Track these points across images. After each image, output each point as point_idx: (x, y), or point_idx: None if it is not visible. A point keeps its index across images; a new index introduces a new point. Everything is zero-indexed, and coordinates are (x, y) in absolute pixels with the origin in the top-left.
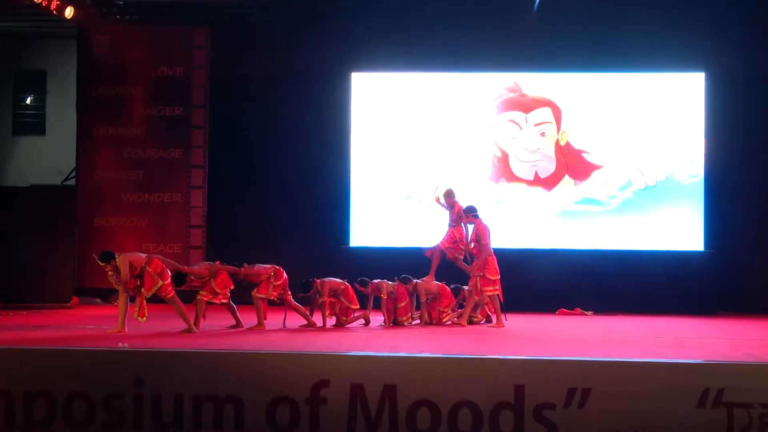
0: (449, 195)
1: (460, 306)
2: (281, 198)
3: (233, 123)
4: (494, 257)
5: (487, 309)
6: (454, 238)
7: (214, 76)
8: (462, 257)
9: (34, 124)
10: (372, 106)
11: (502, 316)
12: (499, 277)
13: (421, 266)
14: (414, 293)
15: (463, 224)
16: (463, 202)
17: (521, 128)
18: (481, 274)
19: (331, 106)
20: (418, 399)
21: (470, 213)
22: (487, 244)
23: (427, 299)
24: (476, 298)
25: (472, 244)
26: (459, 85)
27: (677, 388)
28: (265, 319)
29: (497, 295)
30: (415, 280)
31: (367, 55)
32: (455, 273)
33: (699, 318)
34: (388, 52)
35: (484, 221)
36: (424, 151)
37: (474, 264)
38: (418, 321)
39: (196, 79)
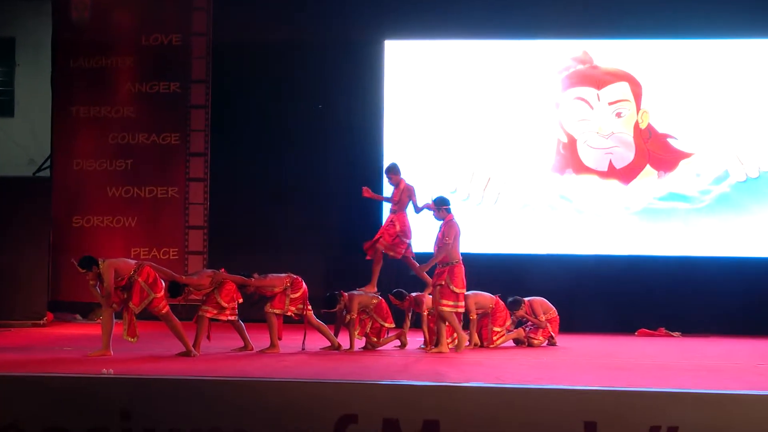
0: (392, 171)
1: (519, 324)
2: (299, 193)
3: (241, 102)
4: (462, 266)
5: (550, 329)
6: (394, 232)
7: (218, 44)
8: (406, 254)
9: (0, 103)
10: (409, 82)
11: (465, 338)
12: (464, 291)
13: (475, 274)
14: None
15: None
16: (519, 197)
17: (592, 108)
18: (442, 283)
19: (359, 82)
20: None
21: (443, 206)
22: (454, 247)
23: (478, 316)
24: (425, 312)
25: (436, 247)
26: (514, 56)
27: None
28: (280, 339)
29: (457, 313)
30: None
31: (403, 19)
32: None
33: None
34: (427, 16)
35: (455, 219)
36: (473, 136)
37: (437, 270)
38: (467, 343)
39: (196, 49)
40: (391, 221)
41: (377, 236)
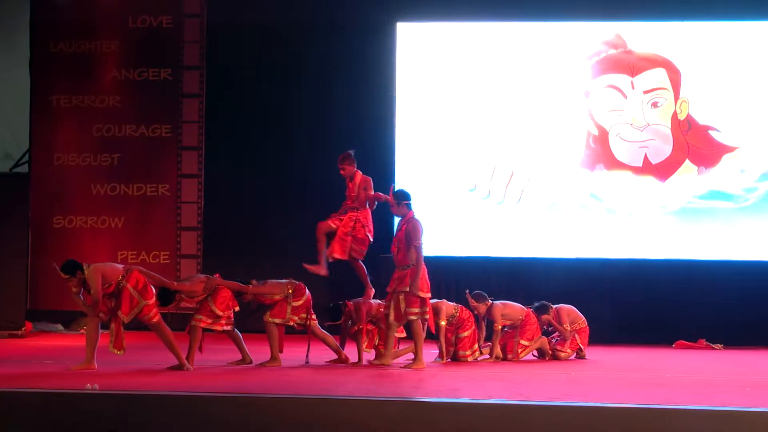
0: (347, 159)
1: (546, 333)
2: (302, 191)
3: (239, 90)
4: (425, 268)
5: (578, 341)
6: (364, 234)
7: (213, 27)
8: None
9: None
10: (423, 68)
11: (408, 352)
12: (430, 295)
13: (495, 281)
14: (485, 318)
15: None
16: (546, 195)
17: (626, 97)
18: (406, 289)
19: (369, 68)
20: None
21: (403, 200)
22: (420, 247)
23: (505, 328)
24: (394, 321)
25: (397, 248)
26: (539, 39)
27: None
28: (281, 351)
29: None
30: (490, 301)
31: None
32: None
33: None
34: None
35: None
36: (494, 128)
37: (397, 274)
38: (487, 356)
39: (189, 32)
40: (356, 220)
41: (343, 243)
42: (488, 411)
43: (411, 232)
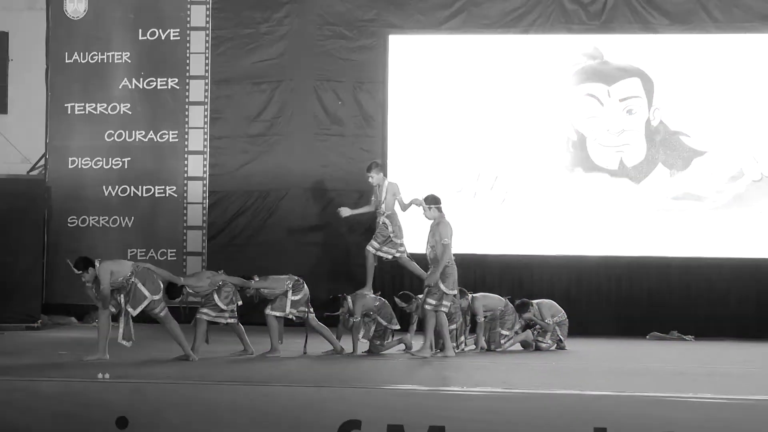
0: (375, 168)
1: (527, 327)
2: (301, 192)
3: (240, 98)
4: (455, 267)
5: (559, 333)
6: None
7: (217, 39)
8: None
9: None
10: (414, 77)
11: (428, 349)
12: (455, 292)
13: (481, 276)
14: (468, 311)
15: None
16: (527, 197)
17: (602, 104)
18: (431, 284)
19: (362, 77)
20: None
21: (434, 204)
22: (448, 246)
23: (486, 318)
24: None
25: (430, 247)
26: (523, 51)
27: None
28: (281, 343)
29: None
30: (470, 294)
31: (408, 12)
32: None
33: None
34: (433, 9)
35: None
36: (479, 133)
37: (431, 272)
38: (473, 347)
39: (195, 44)
40: (384, 222)
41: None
42: (475, 399)
43: (442, 232)
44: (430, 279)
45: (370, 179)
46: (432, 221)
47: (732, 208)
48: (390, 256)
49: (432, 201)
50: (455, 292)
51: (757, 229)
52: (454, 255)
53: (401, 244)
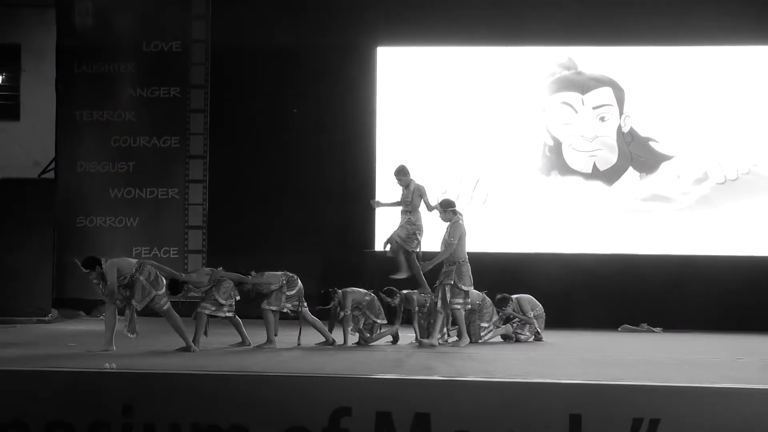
0: (402, 172)
1: (507, 320)
2: (295, 194)
3: (238, 106)
4: (468, 264)
5: (536, 325)
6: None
7: (216, 51)
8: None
9: (6, 108)
10: (401, 87)
11: (467, 339)
12: (472, 288)
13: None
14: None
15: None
16: (507, 198)
17: (577, 112)
18: (451, 282)
19: (353, 87)
20: (455, 430)
21: (449, 208)
22: (461, 246)
23: (466, 312)
24: (442, 309)
25: (443, 247)
26: (502, 62)
27: (765, 420)
28: (276, 335)
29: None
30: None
31: (396, 26)
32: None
33: None
34: (419, 23)
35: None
36: (462, 139)
37: (444, 269)
38: (455, 338)
39: (196, 55)
40: (409, 220)
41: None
42: (459, 387)
43: (452, 232)
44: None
45: (398, 182)
46: (447, 223)
47: (697, 209)
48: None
49: (446, 205)
50: (471, 288)
51: (720, 228)
52: (435, 252)
53: (418, 244)
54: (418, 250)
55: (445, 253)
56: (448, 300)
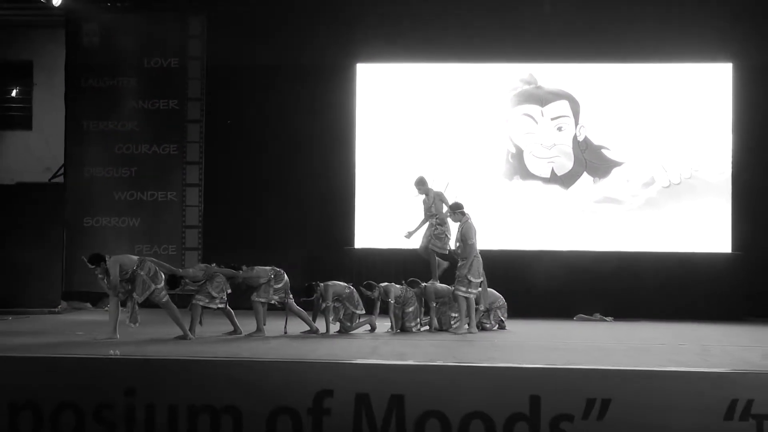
0: (421, 181)
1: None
2: (282, 197)
3: (231, 117)
4: (480, 259)
5: (500, 315)
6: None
7: (211, 67)
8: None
9: (20, 118)
10: (378, 100)
11: (465, 325)
12: (481, 279)
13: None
14: (422, 297)
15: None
16: (474, 200)
17: (537, 122)
18: (465, 273)
19: (335, 100)
20: (427, 410)
21: (458, 210)
22: (473, 244)
23: (437, 304)
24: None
25: (458, 244)
26: (471, 77)
27: (703, 399)
28: (264, 324)
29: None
30: (424, 284)
31: (374, 44)
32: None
33: (725, 324)
34: (395, 42)
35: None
36: (434, 147)
37: (460, 264)
38: (427, 327)
39: (192, 71)
40: (431, 224)
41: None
42: (430, 371)
43: (465, 233)
44: (461, 272)
45: (418, 191)
46: (458, 223)
47: (645, 210)
48: (438, 250)
49: (455, 207)
50: (480, 280)
51: (665, 227)
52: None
53: (446, 244)
54: (449, 248)
55: (471, 252)
56: (456, 287)
